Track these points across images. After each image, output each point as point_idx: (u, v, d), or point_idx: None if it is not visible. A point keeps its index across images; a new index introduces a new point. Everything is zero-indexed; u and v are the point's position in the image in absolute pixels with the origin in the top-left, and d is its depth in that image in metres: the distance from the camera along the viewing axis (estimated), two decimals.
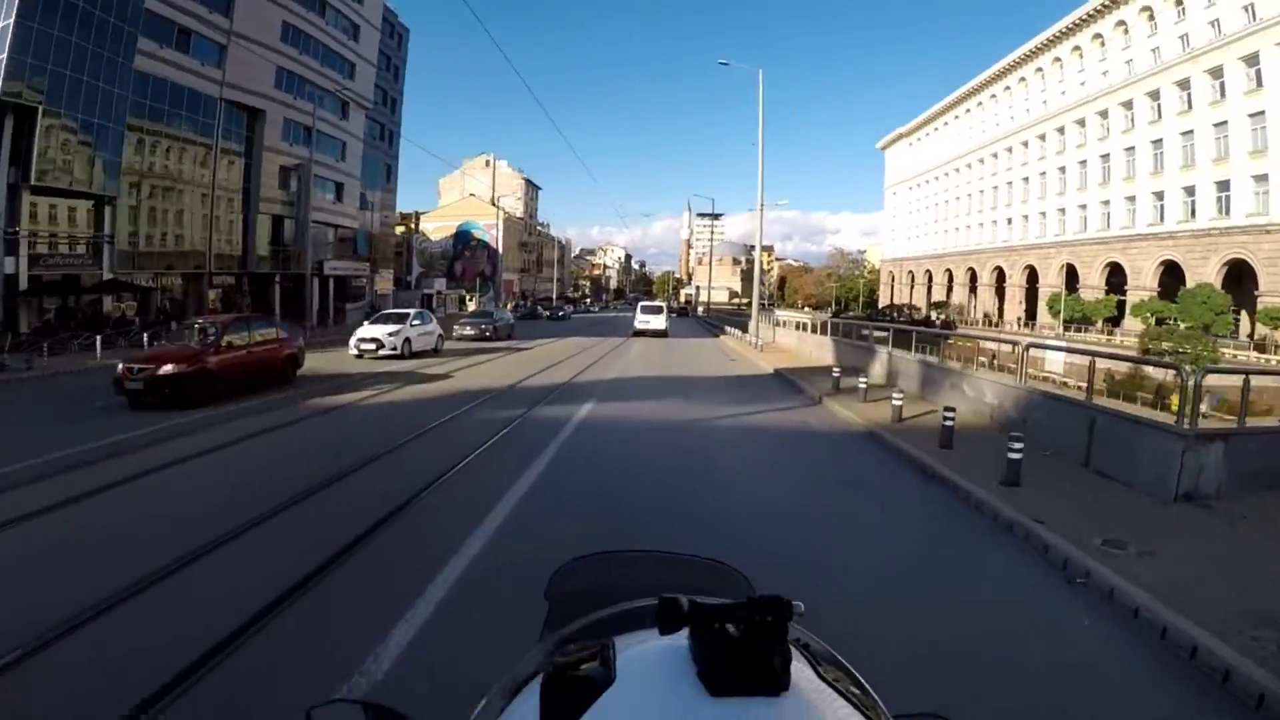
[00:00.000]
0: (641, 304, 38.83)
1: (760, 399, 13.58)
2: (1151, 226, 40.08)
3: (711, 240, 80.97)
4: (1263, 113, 33.18)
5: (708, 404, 12.73)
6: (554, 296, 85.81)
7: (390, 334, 19.68)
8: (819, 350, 22.12)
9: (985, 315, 57.21)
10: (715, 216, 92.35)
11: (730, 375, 18.23)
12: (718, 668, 0.77)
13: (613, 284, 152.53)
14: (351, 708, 1.01)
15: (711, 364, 21.40)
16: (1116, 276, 43.31)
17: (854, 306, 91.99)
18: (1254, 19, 33.38)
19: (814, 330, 26.56)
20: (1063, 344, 30.12)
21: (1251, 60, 33.66)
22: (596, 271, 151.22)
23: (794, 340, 27.35)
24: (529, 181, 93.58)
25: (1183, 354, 28.25)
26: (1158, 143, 39.86)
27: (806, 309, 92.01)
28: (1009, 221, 56.22)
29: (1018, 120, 54.57)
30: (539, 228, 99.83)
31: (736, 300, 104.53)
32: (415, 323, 21.09)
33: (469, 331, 28.38)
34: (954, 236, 65.86)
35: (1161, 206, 39.47)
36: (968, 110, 63.37)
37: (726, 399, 13.43)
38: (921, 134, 73.33)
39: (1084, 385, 10.69)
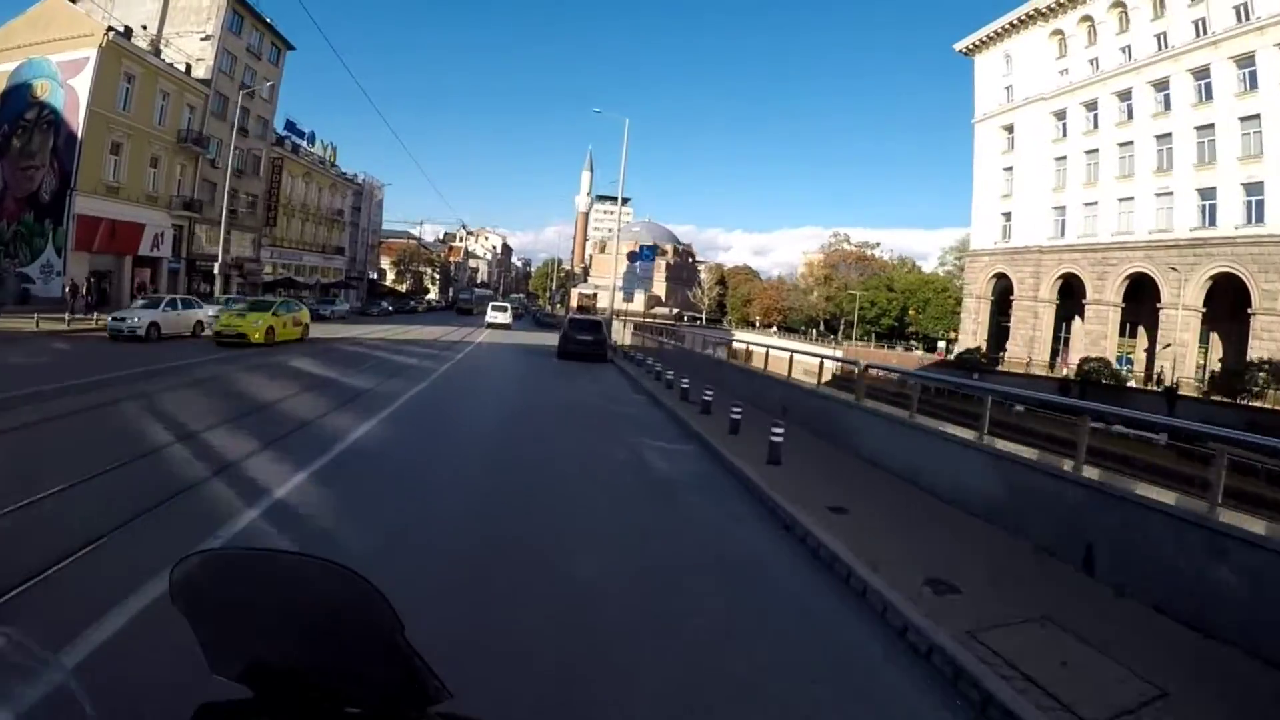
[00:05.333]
0: (492, 304, 43.62)
1: None
2: None
3: (618, 223, 43.78)
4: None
5: None
6: (326, 282, 48.16)
7: None
8: None
9: None
10: (623, 200, 53.27)
11: None
12: None
13: (480, 278, 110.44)
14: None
15: None
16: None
17: (858, 328, 63.40)
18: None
19: None
20: None
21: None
22: (454, 258, 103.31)
23: None
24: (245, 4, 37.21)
25: None
26: None
27: (771, 329, 70.59)
28: None
29: None
30: (288, 135, 44.27)
31: (663, 311, 71.75)
32: None
33: None
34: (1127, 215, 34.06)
35: None
36: None
37: None
38: (1064, 23, 38.03)
39: None
